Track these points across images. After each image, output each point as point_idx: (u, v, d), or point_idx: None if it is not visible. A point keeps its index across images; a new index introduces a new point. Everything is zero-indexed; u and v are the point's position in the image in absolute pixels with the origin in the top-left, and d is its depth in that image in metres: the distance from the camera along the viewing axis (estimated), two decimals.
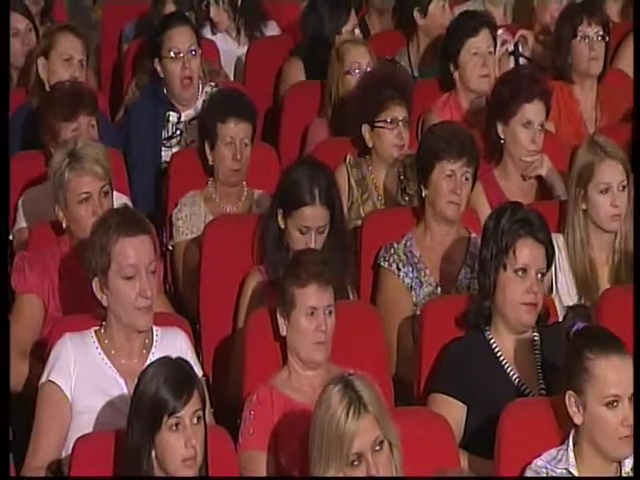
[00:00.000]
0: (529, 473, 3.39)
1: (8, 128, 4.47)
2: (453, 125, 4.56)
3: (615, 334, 3.38)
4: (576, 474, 3.34)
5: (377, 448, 3.16)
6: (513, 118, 4.75)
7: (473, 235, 4.34)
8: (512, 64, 5.62)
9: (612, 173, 4.33)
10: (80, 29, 5.18)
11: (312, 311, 3.68)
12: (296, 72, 5.57)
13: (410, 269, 4.30)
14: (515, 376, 3.75)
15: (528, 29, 5.85)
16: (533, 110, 4.73)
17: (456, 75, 5.29)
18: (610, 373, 3.27)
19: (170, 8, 5.73)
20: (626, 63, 5.79)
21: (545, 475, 3.34)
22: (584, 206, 4.36)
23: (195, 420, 3.16)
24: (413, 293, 4.29)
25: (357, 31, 5.60)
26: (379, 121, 4.79)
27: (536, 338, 3.81)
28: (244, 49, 5.91)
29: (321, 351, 3.68)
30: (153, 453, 3.16)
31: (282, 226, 4.20)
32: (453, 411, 3.71)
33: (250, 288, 4.20)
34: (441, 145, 4.31)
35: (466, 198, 4.35)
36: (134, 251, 3.50)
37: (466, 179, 4.32)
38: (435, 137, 4.38)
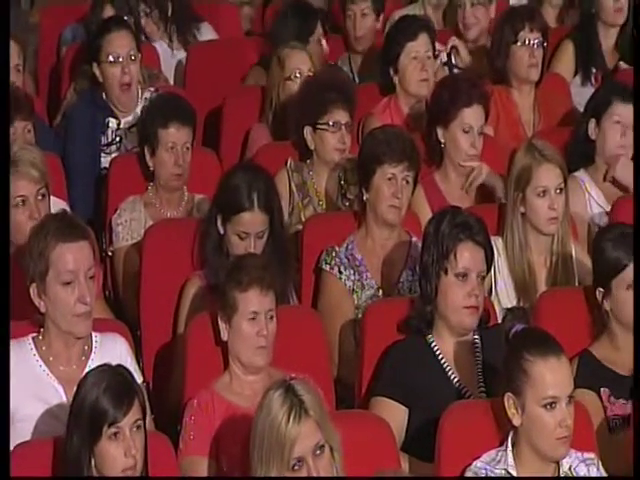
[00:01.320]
0: (469, 474, 3.41)
1: (8, 129, 4.42)
2: (394, 129, 4.58)
3: (553, 336, 3.42)
4: (515, 475, 3.37)
5: (318, 452, 3.17)
6: (453, 122, 4.78)
7: (414, 239, 4.37)
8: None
9: (549, 176, 4.37)
10: (17, 33, 5.13)
11: (253, 316, 3.68)
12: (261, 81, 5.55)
13: (352, 272, 4.31)
14: (456, 379, 3.78)
15: (458, 35, 5.91)
16: (472, 114, 4.77)
17: (396, 79, 5.31)
18: (548, 375, 3.31)
19: (109, 12, 5.69)
20: (563, 68, 5.86)
21: (484, 476, 3.37)
22: (522, 209, 4.40)
23: (135, 429, 3.15)
24: (355, 296, 4.30)
25: (324, 42, 5.60)
26: (321, 124, 4.80)
27: (477, 340, 3.84)
28: (182, 54, 5.89)
29: (262, 356, 3.68)
30: (93, 462, 3.14)
31: (221, 231, 4.20)
32: (394, 414, 3.73)
33: (190, 294, 4.19)
34: (382, 149, 4.33)
35: (407, 202, 4.38)
36: (73, 257, 3.48)
37: (407, 183, 4.35)
38: (376, 141, 4.40)
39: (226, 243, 4.18)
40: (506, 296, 4.40)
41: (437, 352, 3.81)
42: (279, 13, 5.71)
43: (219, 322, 3.72)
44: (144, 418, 3.19)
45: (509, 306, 4.36)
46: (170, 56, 5.92)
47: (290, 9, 5.63)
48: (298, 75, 5.17)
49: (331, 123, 4.80)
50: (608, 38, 5.92)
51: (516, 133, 5.37)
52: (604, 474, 3.39)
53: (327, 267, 4.32)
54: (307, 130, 4.82)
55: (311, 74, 5.14)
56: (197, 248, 4.27)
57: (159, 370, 4.25)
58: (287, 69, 5.19)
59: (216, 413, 3.57)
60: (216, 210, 4.19)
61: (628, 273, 3.84)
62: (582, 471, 3.35)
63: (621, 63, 5.91)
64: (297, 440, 3.14)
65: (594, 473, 3.36)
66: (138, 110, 5.02)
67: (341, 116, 4.80)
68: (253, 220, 4.13)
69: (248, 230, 4.14)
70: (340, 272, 4.30)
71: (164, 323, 4.25)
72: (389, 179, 4.32)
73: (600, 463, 3.40)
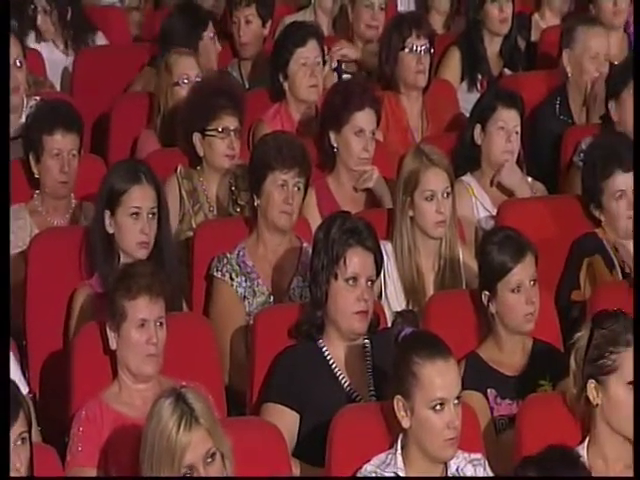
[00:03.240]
0: None
1: (8, 130, 4.31)
2: (285, 135, 4.60)
3: (441, 338, 3.46)
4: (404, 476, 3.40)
5: (209, 460, 3.16)
6: (345, 126, 4.82)
7: (305, 244, 4.38)
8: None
9: (437, 181, 4.43)
10: None
11: (143, 323, 3.66)
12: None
13: (243, 279, 4.31)
14: (346, 383, 3.80)
15: (349, 40, 5.95)
16: (364, 118, 4.81)
17: (285, 85, 5.33)
18: (436, 377, 3.35)
19: None
20: (449, 74, 5.94)
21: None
22: (411, 213, 4.45)
23: (20, 442, 3.10)
24: (246, 303, 4.30)
25: (217, 43, 5.57)
26: (210, 130, 4.79)
27: (367, 345, 3.87)
28: (71, 59, 5.82)
29: (152, 364, 3.65)
30: None
31: (111, 230, 4.16)
32: (286, 420, 3.74)
33: (79, 303, 4.14)
34: (273, 155, 4.34)
35: (298, 208, 4.40)
36: None
37: (298, 189, 4.37)
38: (267, 147, 4.41)
39: (118, 238, 4.13)
40: (396, 300, 4.45)
41: (328, 357, 3.83)
42: (168, 15, 5.68)
43: (107, 331, 3.69)
44: (30, 430, 3.14)
45: (399, 310, 4.40)
46: (63, 59, 5.84)
47: (179, 10, 5.60)
48: (186, 81, 5.14)
49: (220, 129, 4.79)
50: (493, 45, 6.03)
51: (405, 138, 5.42)
52: (490, 474, 3.44)
53: (218, 274, 4.31)
54: (196, 136, 4.81)
55: (199, 79, 5.13)
56: (85, 256, 4.22)
57: (45, 381, 4.19)
58: (175, 74, 5.16)
59: (104, 423, 3.54)
60: (102, 207, 4.16)
61: (513, 276, 3.91)
62: (469, 472, 3.40)
63: (505, 70, 6.03)
64: (188, 448, 3.13)
65: (481, 473, 3.41)
66: (23, 118, 4.93)
67: (230, 122, 4.79)
68: (143, 194, 4.12)
69: (139, 205, 4.11)
70: (231, 279, 4.29)
71: (51, 333, 4.19)
72: (280, 185, 4.33)
73: (487, 463, 3.46)
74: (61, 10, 5.81)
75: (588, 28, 5.48)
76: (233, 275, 4.29)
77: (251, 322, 4.20)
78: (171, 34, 5.43)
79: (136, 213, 4.12)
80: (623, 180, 4.49)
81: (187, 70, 5.16)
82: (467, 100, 5.66)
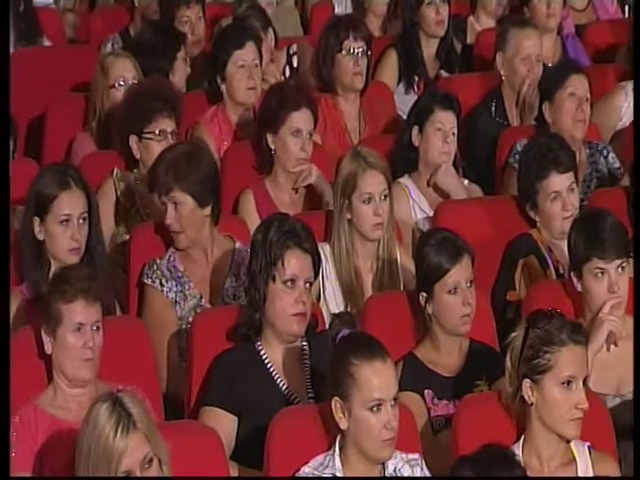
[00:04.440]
0: None
1: (9, 132, 4.25)
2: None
3: (378, 340, 3.47)
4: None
5: (146, 465, 3.14)
6: (282, 127, 4.82)
7: (238, 244, 4.37)
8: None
9: (374, 183, 4.44)
10: None
11: (79, 327, 3.62)
12: None
13: (174, 284, 4.29)
14: (284, 385, 3.80)
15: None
16: (301, 118, 4.81)
17: (223, 87, 5.32)
18: (373, 378, 3.36)
19: None
20: (386, 76, 5.98)
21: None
22: (349, 215, 4.46)
23: None
24: (178, 307, 4.28)
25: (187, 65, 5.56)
26: (147, 133, 4.76)
27: (305, 347, 3.87)
28: None
29: (88, 368, 3.62)
30: None
31: (41, 237, 4.12)
32: (224, 423, 3.73)
33: (12, 309, 4.08)
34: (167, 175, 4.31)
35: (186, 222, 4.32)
36: None
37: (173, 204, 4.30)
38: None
39: (49, 246, 4.09)
40: (334, 301, 4.45)
41: (265, 359, 3.82)
42: (142, 30, 5.65)
43: (42, 335, 3.65)
44: None
45: (337, 311, 4.41)
46: None
47: (155, 28, 5.57)
48: (122, 83, 5.12)
49: (157, 132, 4.77)
50: (429, 47, 6.07)
51: (342, 141, 5.44)
52: (428, 474, 3.46)
53: (148, 281, 4.28)
54: (132, 139, 4.78)
55: (135, 82, 5.10)
56: (15, 261, 4.17)
57: None
58: (111, 77, 5.13)
59: (39, 428, 3.50)
60: (31, 213, 4.12)
61: (450, 277, 3.94)
62: (406, 472, 3.42)
63: (442, 72, 6.07)
64: (125, 453, 3.11)
65: (418, 473, 3.43)
66: None
67: (167, 124, 4.78)
68: (73, 199, 4.08)
69: (70, 211, 4.07)
70: (161, 285, 4.27)
71: None
72: (162, 204, 4.32)
73: (424, 463, 3.48)
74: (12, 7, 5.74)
75: (519, 30, 5.54)
76: (163, 281, 4.27)
77: (183, 326, 4.19)
78: (148, 50, 5.39)
79: (66, 220, 4.07)
80: (558, 181, 4.54)
81: (123, 72, 5.14)
82: (404, 102, 5.69)
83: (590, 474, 3.44)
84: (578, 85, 5.07)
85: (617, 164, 5.19)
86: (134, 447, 3.11)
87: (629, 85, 5.60)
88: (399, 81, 6.01)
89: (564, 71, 5.14)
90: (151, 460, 3.15)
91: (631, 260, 4.13)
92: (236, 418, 3.76)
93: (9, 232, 3.91)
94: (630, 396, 3.94)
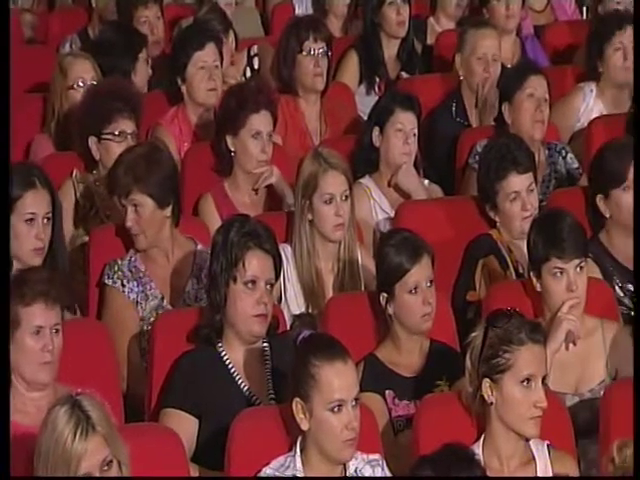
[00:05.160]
0: None
1: (9, 129, 4.22)
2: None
3: (339, 340, 3.47)
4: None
5: (105, 468, 3.13)
6: (242, 129, 4.81)
7: (199, 247, 4.36)
8: None
9: (335, 184, 4.45)
10: None
11: (38, 330, 3.59)
12: None
13: (135, 284, 4.27)
14: (245, 387, 3.80)
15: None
16: (261, 120, 4.81)
17: (184, 88, 5.31)
18: (334, 378, 3.36)
19: None
20: (347, 77, 5.99)
21: None
22: (310, 216, 4.46)
23: None
24: (139, 308, 4.26)
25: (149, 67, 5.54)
26: (106, 134, 4.74)
27: (266, 348, 3.87)
28: None
29: (47, 371, 3.60)
30: None
31: None
32: (185, 425, 3.72)
33: None
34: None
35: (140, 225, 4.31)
36: None
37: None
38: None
39: (11, 247, 4.06)
40: (295, 303, 4.45)
41: (227, 361, 3.82)
42: (103, 31, 5.62)
43: None
44: None
45: (298, 312, 4.41)
46: None
47: (117, 29, 5.54)
48: (81, 84, 5.09)
49: (116, 133, 4.75)
50: (390, 48, 6.09)
51: (303, 142, 5.44)
52: (388, 474, 3.47)
53: (109, 281, 4.26)
54: (92, 140, 4.76)
55: (95, 83, 5.08)
56: None
57: None
58: (70, 78, 5.10)
59: None
60: None
61: (410, 277, 3.94)
62: (367, 472, 3.42)
63: (403, 73, 6.09)
64: (84, 456, 3.09)
65: (379, 474, 3.43)
66: None
67: (126, 125, 4.76)
68: (38, 199, 4.06)
69: (35, 210, 4.06)
70: (123, 285, 4.26)
71: None
72: (127, 206, 4.29)
73: (385, 463, 3.48)
74: None
75: (476, 30, 5.58)
76: (124, 281, 4.25)
77: (145, 327, 4.18)
78: (110, 49, 5.36)
79: (31, 219, 4.06)
80: (517, 181, 4.56)
81: (82, 73, 5.11)
82: (365, 103, 5.70)
83: (549, 473, 3.46)
84: (537, 86, 5.11)
85: (576, 164, 5.23)
86: (93, 450, 3.10)
87: (587, 86, 5.65)
88: (360, 82, 6.02)
89: (523, 72, 5.17)
90: (110, 462, 3.13)
91: (589, 260, 4.17)
92: (197, 420, 3.75)
93: (9, 232, 3.87)
94: (589, 395, 3.97)
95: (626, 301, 4.50)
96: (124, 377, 4.17)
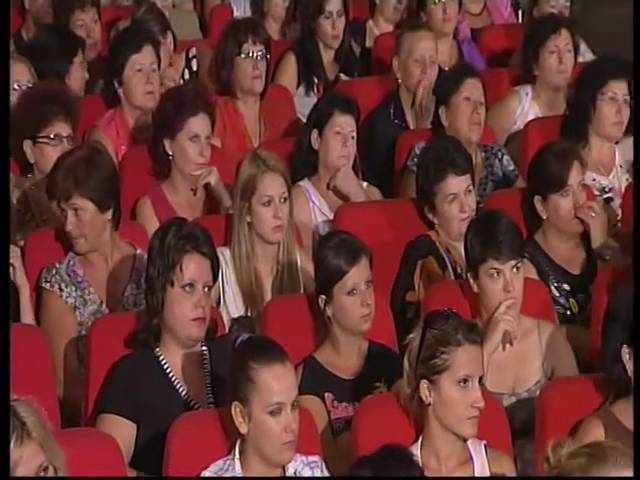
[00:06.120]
0: None
1: (8, 130, 4.14)
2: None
3: (278, 343, 3.47)
4: None
5: (42, 474, 3.09)
6: (179, 133, 4.79)
7: (139, 251, 4.34)
8: None
9: (274, 186, 4.44)
10: None
11: None
12: None
13: (73, 288, 4.24)
14: (184, 391, 3.78)
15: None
16: (198, 123, 4.79)
17: (121, 91, 5.27)
18: (273, 381, 3.35)
19: None
20: (286, 79, 5.99)
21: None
22: (248, 219, 4.45)
23: None
24: (77, 313, 4.23)
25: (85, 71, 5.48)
26: (42, 137, 4.70)
27: (205, 352, 3.85)
28: None
29: None
30: None
31: None
32: (122, 430, 3.70)
33: None
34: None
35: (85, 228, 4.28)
36: None
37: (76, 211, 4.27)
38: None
39: None
40: (234, 306, 4.44)
41: (165, 365, 3.80)
42: (38, 33, 5.56)
43: None
44: None
45: (236, 316, 4.40)
46: None
47: (52, 31, 5.49)
48: (17, 87, 5.05)
49: (52, 136, 4.71)
50: (328, 51, 6.11)
51: (242, 144, 5.43)
52: (328, 475, 3.47)
53: (47, 285, 4.23)
54: (27, 143, 4.72)
55: (30, 86, 5.03)
56: None
57: None
58: None
59: None
60: None
61: (348, 279, 3.95)
62: (307, 474, 3.41)
63: (341, 75, 6.11)
64: (19, 463, 3.05)
65: (318, 475, 3.43)
66: None
67: (62, 129, 4.72)
68: None
69: None
70: (60, 289, 4.22)
71: None
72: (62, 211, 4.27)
73: (325, 465, 3.48)
74: None
75: (413, 33, 5.61)
76: (62, 285, 4.22)
77: (84, 332, 4.14)
78: (44, 53, 5.30)
79: None
80: (455, 183, 4.59)
81: (17, 76, 5.06)
82: (304, 104, 5.71)
83: (486, 473, 3.48)
84: (473, 89, 5.15)
85: (512, 167, 5.28)
86: (29, 456, 3.06)
87: (523, 89, 5.70)
88: (298, 84, 6.03)
89: (459, 75, 5.21)
90: (46, 469, 3.10)
91: (525, 260, 4.20)
92: (135, 425, 3.73)
93: (9, 229, 3.83)
94: (525, 395, 4.01)
95: (562, 301, 4.56)
96: (61, 382, 4.14)
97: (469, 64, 5.80)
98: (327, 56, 6.08)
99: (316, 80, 6.01)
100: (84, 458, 3.36)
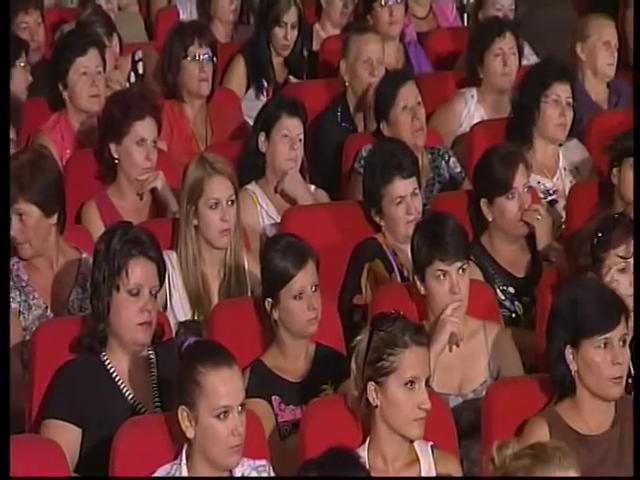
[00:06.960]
0: None
1: (8, 130, 4.09)
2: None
3: (225, 347, 3.46)
4: None
5: None
6: (126, 137, 4.76)
7: (84, 255, 4.31)
8: None
9: (221, 189, 4.42)
10: None
11: None
12: None
13: (17, 293, 4.20)
14: (130, 395, 3.75)
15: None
16: (145, 127, 4.76)
17: (65, 95, 5.23)
18: (220, 385, 3.34)
19: None
20: (234, 82, 5.98)
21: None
22: (195, 222, 4.43)
23: None
24: (22, 317, 4.19)
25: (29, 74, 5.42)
26: None
27: (151, 356, 3.83)
28: None
29: None
30: None
31: None
32: (67, 436, 3.66)
33: None
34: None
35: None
36: None
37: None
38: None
39: None
40: (181, 310, 4.42)
41: (111, 370, 3.77)
42: None
43: None
44: None
45: (183, 319, 4.37)
46: None
47: None
48: None
49: None
50: (278, 55, 6.10)
51: (189, 147, 5.41)
52: None
53: None
54: None
55: None
56: None
57: None
58: None
59: None
60: None
61: (295, 283, 3.94)
62: None
63: (291, 77, 6.11)
64: None
65: None
66: None
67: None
68: None
69: None
70: None
71: None
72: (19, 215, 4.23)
73: (272, 469, 3.48)
74: None
75: (360, 36, 5.62)
76: None
77: (28, 337, 4.10)
78: None
79: None
80: (402, 186, 4.60)
81: None
82: (254, 108, 5.66)
83: (433, 473, 3.49)
84: (408, 95, 5.13)
85: (458, 169, 5.30)
86: None
87: (468, 92, 5.73)
88: (248, 87, 6.02)
89: (392, 85, 5.15)
90: None
91: (471, 262, 4.22)
92: (80, 430, 3.70)
93: (9, 231, 3.74)
94: (472, 395, 4.03)
95: (507, 304, 4.59)
96: None
97: (399, 70, 5.79)
98: (277, 59, 6.08)
99: (266, 83, 6.00)
100: (28, 464, 3.33)
